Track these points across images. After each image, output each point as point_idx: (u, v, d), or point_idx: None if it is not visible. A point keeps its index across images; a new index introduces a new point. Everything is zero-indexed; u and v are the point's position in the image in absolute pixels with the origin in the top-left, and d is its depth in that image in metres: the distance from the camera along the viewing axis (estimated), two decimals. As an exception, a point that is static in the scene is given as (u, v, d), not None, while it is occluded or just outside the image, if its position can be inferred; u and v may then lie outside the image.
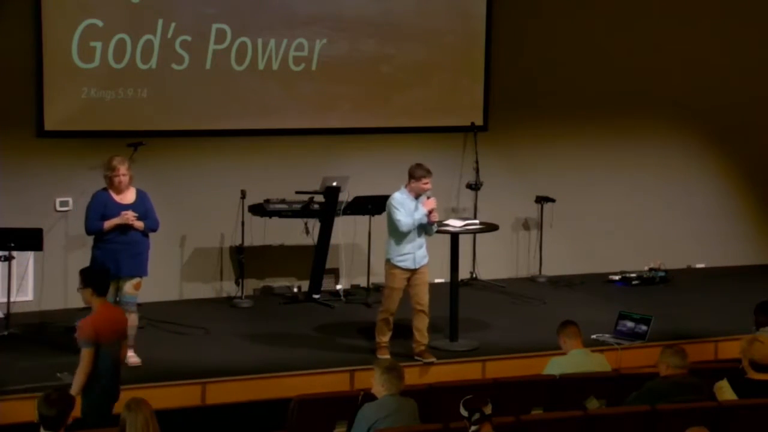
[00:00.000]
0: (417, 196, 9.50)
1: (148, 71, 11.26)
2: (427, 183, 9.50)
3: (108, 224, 9.06)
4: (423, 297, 9.56)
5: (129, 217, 9.08)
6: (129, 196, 9.22)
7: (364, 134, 12.22)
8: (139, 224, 9.15)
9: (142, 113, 11.29)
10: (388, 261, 9.57)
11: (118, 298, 9.09)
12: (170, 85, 11.39)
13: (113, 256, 9.07)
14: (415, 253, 9.49)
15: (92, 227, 9.18)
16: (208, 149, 11.65)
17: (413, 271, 9.51)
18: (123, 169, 9.15)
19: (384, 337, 9.60)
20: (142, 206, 9.21)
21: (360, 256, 12.01)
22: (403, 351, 9.61)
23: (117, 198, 9.17)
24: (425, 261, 9.59)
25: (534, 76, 12.79)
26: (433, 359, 9.49)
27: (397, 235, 9.46)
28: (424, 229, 9.55)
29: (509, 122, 12.72)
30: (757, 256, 13.82)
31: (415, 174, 9.50)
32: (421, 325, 9.58)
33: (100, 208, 9.12)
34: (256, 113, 11.77)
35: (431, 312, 9.60)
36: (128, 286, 9.17)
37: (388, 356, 9.38)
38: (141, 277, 9.24)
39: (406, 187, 9.54)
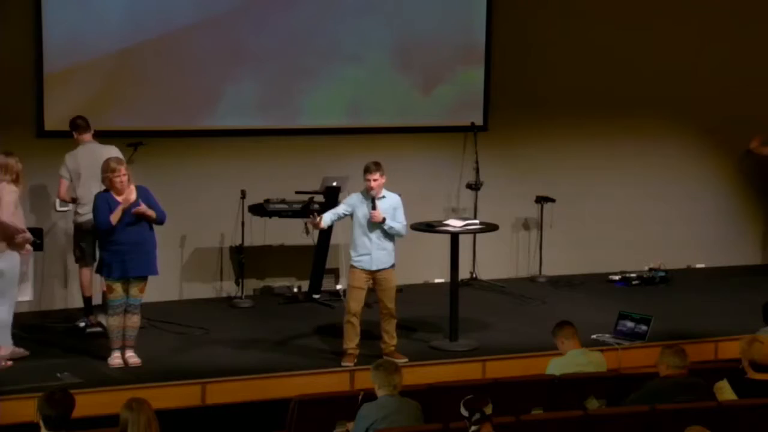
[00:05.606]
0: (372, 196, 9.25)
1: (148, 70, 11.27)
2: (369, 179, 9.16)
3: (113, 217, 9.02)
4: (389, 303, 9.37)
5: (129, 200, 9.04)
6: (130, 195, 9.19)
7: (364, 134, 12.22)
8: (150, 212, 9.12)
9: (142, 113, 11.30)
10: (351, 261, 9.47)
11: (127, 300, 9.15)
12: (170, 85, 11.39)
13: (120, 257, 9.05)
14: (372, 254, 9.27)
15: (103, 220, 9.05)
16: (208, 149, 11.65)
17: (374, 274, 9.30)
18: (123, 169, 9.11)
19: (351, 343, 9.33)
20: (144, 202, 9.16)
21: (360, 256, 12.00)
22: (370, 352, 9.46)
23: (119, 199, 9.12)
24: (387, 265, 9.33)
25: (534, 76, 12.79)
26: (405, 359, 9.30)
27: (354, 234, 9.34)
28: (383, 230, 9.27)
29: (509, 122, 12.72)
30: (757, 256, 13.82)
31: (364, 170, 9.27)
32: (389, 327, 9.42)
33: (105, 208, 9.08)
34: (257, 113, 11.77)
35: (433, 311, 9.57)
36: (134, 289, 9.17)
37: (351, 364, 9.16)
38: (150, 275, 9.21)
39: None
